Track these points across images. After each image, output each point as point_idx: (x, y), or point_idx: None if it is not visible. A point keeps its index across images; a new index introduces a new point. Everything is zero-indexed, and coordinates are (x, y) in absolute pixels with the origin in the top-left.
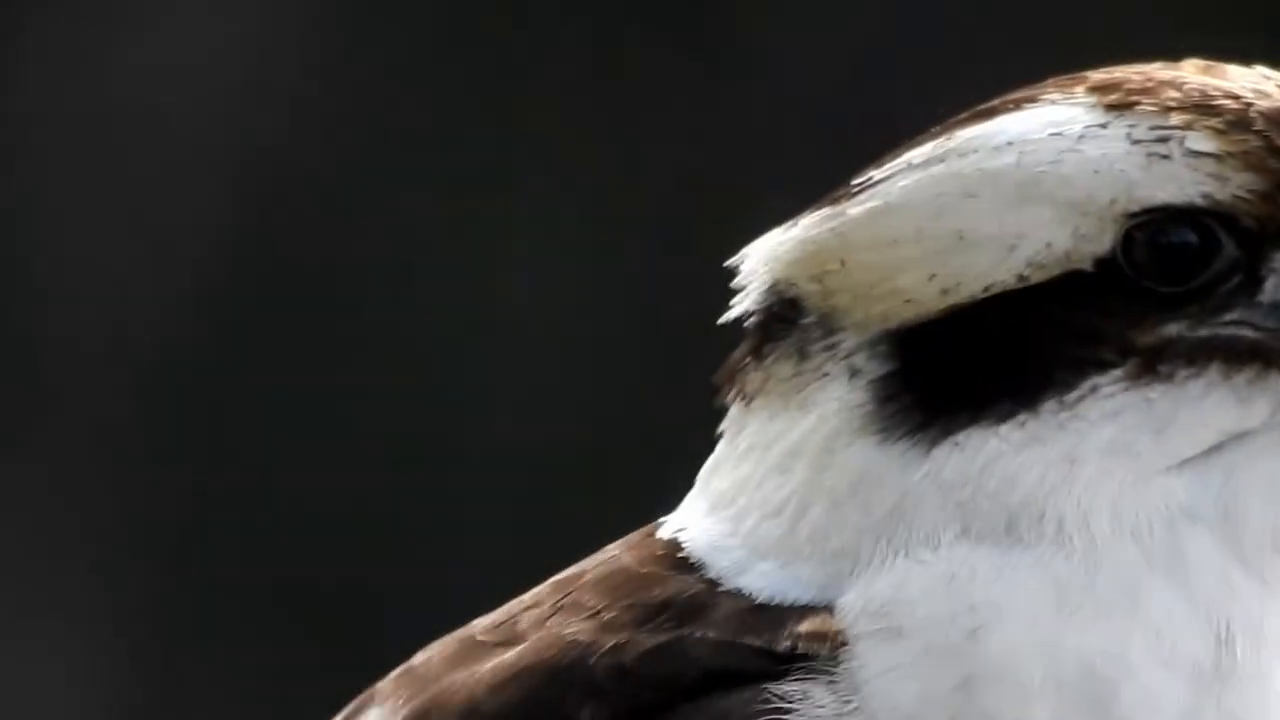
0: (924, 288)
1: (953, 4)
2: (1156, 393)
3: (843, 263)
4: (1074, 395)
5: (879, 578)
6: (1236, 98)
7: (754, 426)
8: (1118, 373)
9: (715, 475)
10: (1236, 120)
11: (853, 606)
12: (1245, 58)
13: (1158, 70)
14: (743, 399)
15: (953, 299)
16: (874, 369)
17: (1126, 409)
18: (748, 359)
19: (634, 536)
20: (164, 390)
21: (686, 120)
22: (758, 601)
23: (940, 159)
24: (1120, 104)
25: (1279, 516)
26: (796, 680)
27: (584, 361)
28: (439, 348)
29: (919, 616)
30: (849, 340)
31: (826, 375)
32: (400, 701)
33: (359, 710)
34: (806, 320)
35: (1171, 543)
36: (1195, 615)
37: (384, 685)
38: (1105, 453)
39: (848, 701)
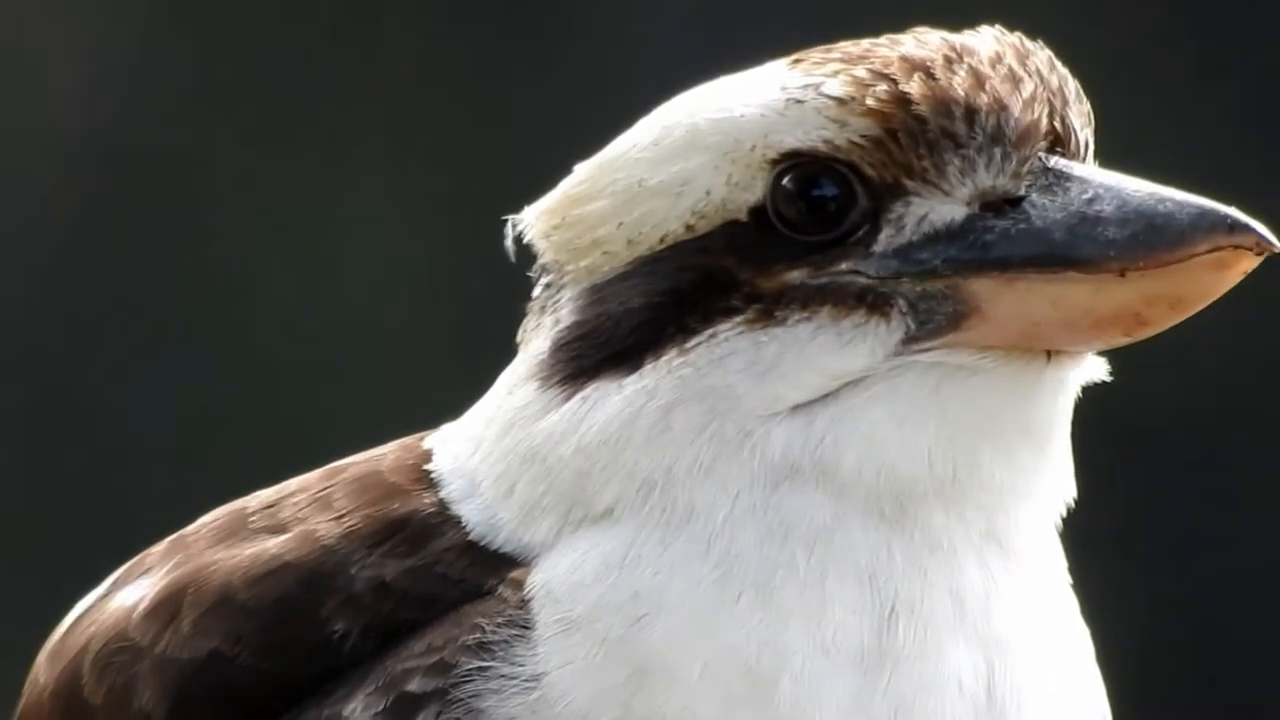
0: (615, 237)
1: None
2: (767, 336)
3: (562, 219)
4: (693, 342)
5: (558, 556)
6: (905, 51)
7: (508, 368)
8: (738, 319)
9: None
10: (879, 69)
11: (539, 587)
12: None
13: (899, 37)
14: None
15: (638, 250)
16: (565, 320)
17: (734, 353)
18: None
19: (410, 438)
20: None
21: (527, 114)
22: (470, 538)
23: (652, 114)
24: (800, 60)
25: (882, 466)
26: (506, 626)
27: (421, 347)
28: (278, 338)
29: (589, 602)
30: (565, 294)
31: (542, 326)
32: (163, 571)
33: (132, 574)
34: (549, 278)
35: (780, 510)
36: (851, 593)
37: (156, 551)
38: (703, 398)
39: (532, 684)
